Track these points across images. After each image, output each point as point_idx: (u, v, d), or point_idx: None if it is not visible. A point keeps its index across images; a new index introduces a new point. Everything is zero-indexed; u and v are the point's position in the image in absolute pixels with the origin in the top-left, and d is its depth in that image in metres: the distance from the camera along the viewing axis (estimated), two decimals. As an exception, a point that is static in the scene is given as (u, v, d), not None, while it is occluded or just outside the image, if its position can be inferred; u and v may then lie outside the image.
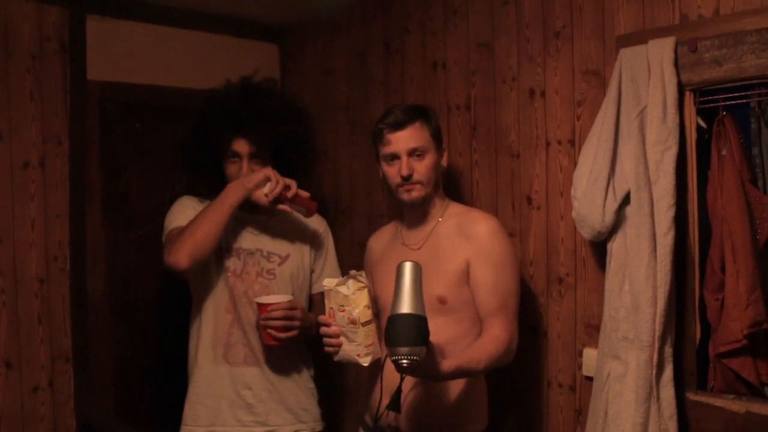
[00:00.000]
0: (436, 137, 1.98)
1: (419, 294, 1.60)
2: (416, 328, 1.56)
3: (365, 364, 1.86)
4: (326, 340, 1.88)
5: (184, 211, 2.16)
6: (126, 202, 2.54)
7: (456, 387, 1.88)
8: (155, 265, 2.22)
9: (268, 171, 2.07)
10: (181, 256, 1.99)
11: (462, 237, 1.92)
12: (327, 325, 1.87)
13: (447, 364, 1.67)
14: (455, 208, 2.04)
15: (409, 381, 1.78)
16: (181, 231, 2.05)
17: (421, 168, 1.94)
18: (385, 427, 1.94)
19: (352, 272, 1.84)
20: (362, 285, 1.83)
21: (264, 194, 2.06)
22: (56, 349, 2.36)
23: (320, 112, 2.72)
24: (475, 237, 1.91)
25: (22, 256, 2.29)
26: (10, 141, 2.27)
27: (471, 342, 1.88)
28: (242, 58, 2.76)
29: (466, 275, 1.90)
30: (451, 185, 2.35)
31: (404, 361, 1.54)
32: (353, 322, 1.82)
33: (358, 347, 1.84)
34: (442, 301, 1.89)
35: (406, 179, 1.92)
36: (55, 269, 2.36)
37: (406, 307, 1.57)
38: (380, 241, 2.16)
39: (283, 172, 2.13)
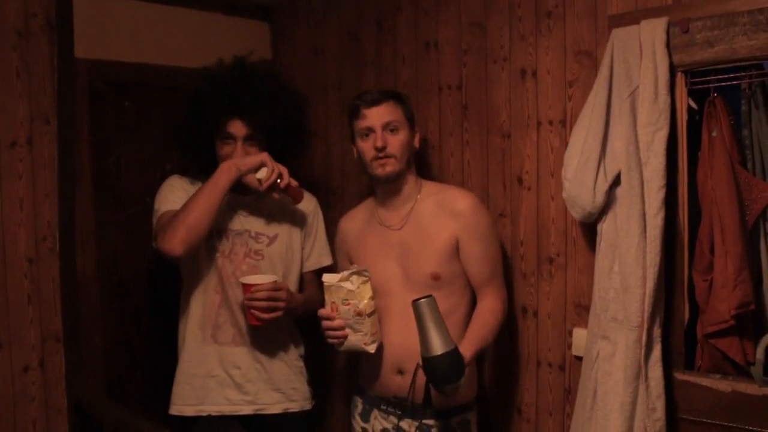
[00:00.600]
0: (410, 119, 2.08)
1: (443, 327, 1.69)
2: (454, 365, 1.69)
3: (372, 351, 1.98)
4: (330, 333, 1.96)
5: (174, 192, 2.15)
6: (116, 182, 2.52)
7: None
8: (146, 245, 2.21)
9: (264, 156, 2.08)
10: (176, 243, 1.99)
11: (446, 214, 2.01)
12: (330, 318, 1.95)
13: (468, 354, 1.79)
14: (430, 186, 2.12)
15: (411, 355, 1.86)
16: (173, 216, 2.04)
17: (395, 142, 2.02)
18: (390, 398, 2.04)
19: (355, 267, 1.94)
20: (366, 279, 1.92)
21: (257, 179, 2.07)
22: (46, 329, 2.35)
23: (311, 92, 2.70)
24: (460, 214, 2.01)
25: (10, 236, 2.27)
26: (-3, 119, 2.24)
27: (463, 312, 2.03)
28: (233, 37, 2.73)
29: (455, 250, 2.00)
30: (442, 164, 2.35)
31: (458, 390, 1.71)
32: (359, 314, 1.92)
33: (364, 336, 1.95)
34: (435, 277, 1.99)
35: (380, 150, 1.99)
36: (44, 249, 2.34)
37: (438, 347, 1.67)
38: (354, 223, 2.21)
39: (276, 154, 2.13)
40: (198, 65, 2.30)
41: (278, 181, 2.08)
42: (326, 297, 1.95)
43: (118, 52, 2.49)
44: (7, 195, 2.27)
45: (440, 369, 1.68)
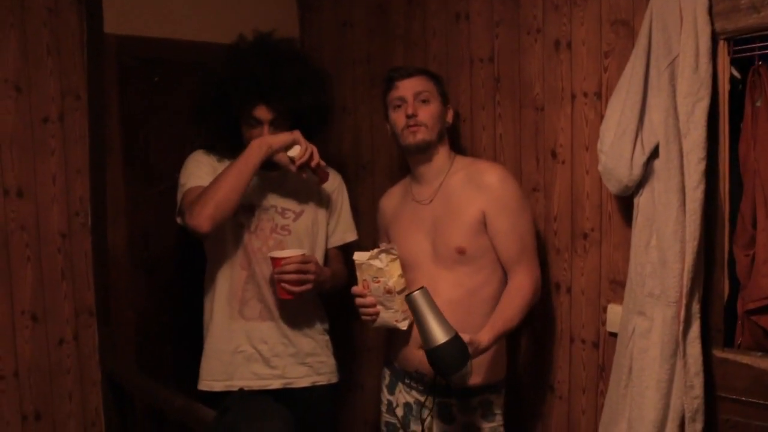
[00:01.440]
0: (442, 94, 2.08)
1: (440, 316, 1.67)
2: (457, 353, 1.66)
3: (404, 328, 1.99)
4: (363, 310, 1.98)
5: (200, 168, 2.15)
6: (145, 158, 2.53)
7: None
8: (175, 221, 2.22)
9: (296, 135, 2.08)
10: (203, 220, 1.99)
11: (473, 187, 1.99)
12: (362, 295, 1.96)
13: (486, 338, 1.77)
14: (462, 161, 2.10)
15: None
16: (201, 192, 2.04)
17: (426, 111, 2.02)
18: (412, 371, 2.04)
19: (383, 245, 1.94)
20: (394, 257, 1.93)
21: (289, 157, 2.07)
22: (80, 303, 2.39)
23: (339, 66, 2.68)
24: (487, 187, 1.97)
25: (44, 212, 2.30)
26: (29, 95, 2.26)
27: (493, 289, 1.98)
28: (260, 11, 2.71)
29: (482, 225, 1.97)
30: (474, 138, 2.31)
31: (466, 378, 1.68)
32: (389, 291, 1.93)
33: (395, 313, 1.96)
34: (461, 251, 1.97)
35: (411, 117, 1.99)
36: (77, 224, 2.37)
37: (438, 337, 1.65)
38: (391, 200, 2.21)
39: (303, 130, 2.13)
40: (226, 40, 2.28)
41: (310, 160, 2.08)
42: (358, 275, 1.96)
43: (146, 27, 2.49)
44: (40, 171, 2.29)
45: (443, 359, 1.65)
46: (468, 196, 1.99)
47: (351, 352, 2.78)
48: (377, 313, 1.96)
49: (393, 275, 1.92)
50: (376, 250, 1.92)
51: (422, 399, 2.02)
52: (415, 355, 2.01)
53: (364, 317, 1.99)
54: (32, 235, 2.28)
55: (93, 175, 2.38)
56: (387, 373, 2.17)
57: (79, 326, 2.39)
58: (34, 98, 2.27)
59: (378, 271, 1.92)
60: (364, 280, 1.95)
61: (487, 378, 1.99)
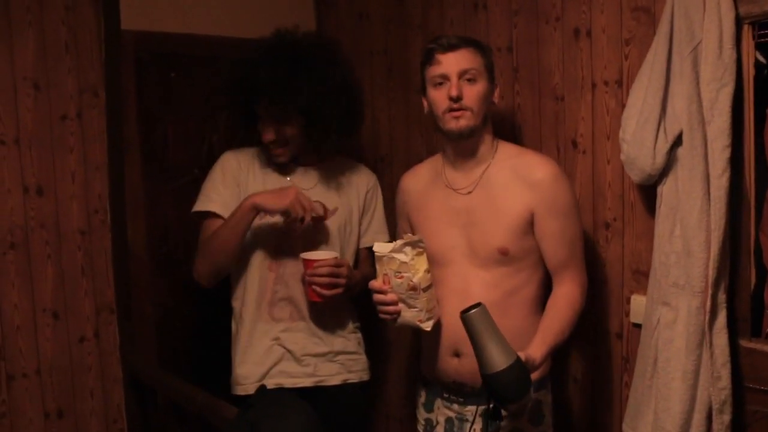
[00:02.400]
0: (490, 69, 1.86)
1: (501, 338, 1.49)
2: (519, 380, 1.49)
3: (428, 329, 1.82)
4: (382, 308, 1.81)
5: (216, 189, 2.15)
6: (164, 153, 2.53)
7: (514, 340, 1.69)
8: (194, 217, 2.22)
9: (287, 202, 2.01)
10: (202, 278, 2.14)
11: (521, 183, 1.82)
12: (382, 292, 1.79)
13: (539, 354, 1.61)
14: (508, 149, 1.91)
15: (466, 336, 1.71)
16: (202, 246, 2.13)
17: (472, 93, 1.79)
18: (449, 383, 1.90)
19: (408, 236, 1.77)
20: (421, 250, 1.76)
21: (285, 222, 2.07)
22: (100, 300, 2.39)
23: (357, 58, 2.66)
24: (538, 184, 1.80)
25: (64, 209, 2.31)
26: (48, 93, 2.27)
27: (533, 290, 1.86)
28: (277, 4, 2.70)
29: (529, 225, 1.82)
30: (492, 129, 2.29)
31: (517, 411, 1.55)
32: (413, 288, 1.76)
33: (419, 313, 1.79)
34: (503, 252, 1.81)
35: (455, 101, 1.78)
36: (97, 221, 2.38)
37: (497, 362, 1.47)
38: (417, 181, 2.01)
39: (320, 128, 2.11)
40: (243, 34, 2.28)
41: (301, 223, 2.03)
42: (378, 268, 1.80)
43: (162, 22, 2.49)
44: (60, 168, 2.30)
45: (503, 386, 1.48)
46: (515, 192, 1.81)
47: (373, 347, 2.77)
48: (398, 312, 1.79)
49: (419, 270, 1.75)
50: (400, 242, 1.74)
51: (464, 411, 1.85)
52: (450, 364, 1.86)
53: (382, 315, 1.82)
54: (52, 233, 2.29)
55: (112, 172, 2.39)
56: (422, 391, 2.01)
57: (100, 323, 2.39)
58: (52, 96, 2.28)
59: (402, 265, 1.74)
60: (385, 274, 1.77)
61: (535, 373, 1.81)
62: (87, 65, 2.33)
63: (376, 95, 2.68)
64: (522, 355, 1.52)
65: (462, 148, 1.88)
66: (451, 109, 1.80)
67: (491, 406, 1.56)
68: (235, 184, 2.15)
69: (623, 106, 1.90)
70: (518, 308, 1.81)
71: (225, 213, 2.10)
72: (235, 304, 2.22)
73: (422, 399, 2.01)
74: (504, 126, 2.27)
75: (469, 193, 1.87)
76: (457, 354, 1.84)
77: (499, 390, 1.49)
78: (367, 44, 2.69)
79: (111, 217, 2.40)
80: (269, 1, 2.71)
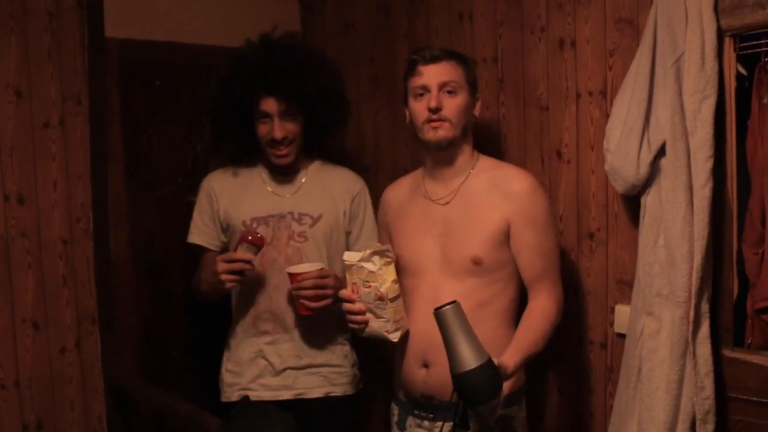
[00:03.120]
0: (471, 83, 1.89)
1: (473, 337, 1.46)
2: (489, 380, 1.46)
3: (395, 340, 1.83)
4: (350, 317, 1.83)
5: (199, 223, 2.22)
6: (148, 162, 2.51)
7: (489, 350, 1.74)
8: (178, 225, 2.21)
9: (223, 279, 1.99)
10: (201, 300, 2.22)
11: (499, 194, 1.83)
12: (351, 301, 1.81)
13: (512, 362, 1.58)
14: (486, 162, 1.93)
15: (436, 346, 1.72)
16: (195, 278, 2.19)
17: (452, 105, 1.82)
18: (417, 397, 1.89)
19: (377, 246, 1.78)
20: (389, 260, 1.78)
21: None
22: (82, 310, 2.36)
23: (343, 67, 2.64)
24: (515, 196, 1.82)
25: (45, 217, 2.28)
26: (30, 100, 2.24)
27: (505, 303, 1.85)
28: (263, 13, 2.68)
29: (504, 235, 1.82)
30: (478, 140, 2.28)
31: (488, 413, 1.49)
32: (381, 298, 1.77)
33: (386, 323, 1.80)
34: (476, 262, 1.81)
35: (434, 112, 1.80)
36: (79, 230, 2.35)
37: (468, 361, 1.44)
38: (398, 193, 2.05)
39: (315, 126, 2.14)
40: (228, 43, 2.28)
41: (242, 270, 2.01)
42: (347, 277, 1.82)
43: (147, 30, 2.47)
44: (41, 176, 2.27)
45: (473, 386, 1.44)
46: (491, 203, 1.82)
47: (369, 360, 2.74)
48: (366, 322, 1.81)
49: (386, 280, 1.77)
50: (368, 251, 1.76)
51: (435, 428, 1.82)
52: (417, 376, 1.85)
53: (351, 325, 1.85)
54: (33, 242, 2.26)
55: (94, 181, 2.36)
56: (395, 409, 2.00)
57: (82, 334, 2.36)
58: (35, 103, 2.25)
59: (369, 274, 1.76)
60: (354, 283, 1.79)
61: (505, 387, 1.75)
62: (70, 72, 2.31)
63: (362, 104, 2.68)
64: (495, 361, 1.50)
65: (441, 158, 1.90)
66: (431, 120, 1.82)
67: (458, 411, 1.53)
68: (211, 211, 2.21)
69: (607, 116, 1.92)
70: (489, 320, 1.79)
71: (207, 243, 2.21)
72: (233, 311, 2.24)
73: (395, 417, 2.00)
74: (489, 136, 2.28)
75: (447, 203, 1.89)
76: (425, 365, 1.84)
77: (468, 390, 1.45)
78: (353, 53, 2.69)
79: (93, 225, 2.37)
80: (255, 10, 2.70)
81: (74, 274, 2.34)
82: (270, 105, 2.08)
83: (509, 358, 1.59)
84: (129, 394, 2.37)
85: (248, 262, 1.99)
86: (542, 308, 1.79)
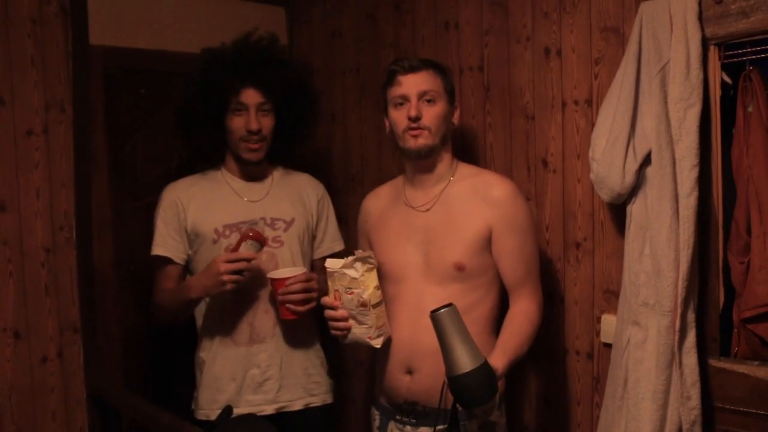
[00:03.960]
0: (449, 92, 1.92)
1: (469, 340, 1.48)
2: (486, 382, 1.48)
3: (377, 346, 1.83)
4: (333, 324, 1.83)
5: (161, 234, 2.17)
6: (132, 170, 2.49)
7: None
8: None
9: (217, 280, 1.96)
10: (158, 321, 2.23)
11: (480, 200, 1.85)
12: (333, 308, 1.82)
13: (500, 364, 1.61)
14: (466, 169, 1.96)
15: (421, 353, 1.73)
16: (155, 297, 2.18)
17: (431, 113, 1.85)
18: (401, 403, 1.89)
19: (359, 253, 1.79)
20: (371, 266, 1.78)
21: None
22: (64, 319, 2.33)
23: (329, 76, 2.66)
24: (496, 202, 1.84)
25: (27, 226, 2.25)
26: (13, 108, 2.21)
27: (487, 309, 1.86)
28: (249, 22, 2.64)
29: (486, 241, 1.83)
30: (464, 148, 2.29)
31: (490, 412, 1.50)
32: (363, 305, 1.77)
33: (369, 329, 1.80)
34: (459, 268, 1.82)
35: (414, 120, 1.83)
36: (62, 239, 2.32)
37: (465, 363, 1.46)
38: (378, 201, 2.06)
39: (287, 125, 2.16)
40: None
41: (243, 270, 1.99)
42: (329, 284, 1.82)
43: (132, 38, 2.45)
44: (24, 184, 2.25)
45: (470, 388, 1.46)
46: (472, 209, 1.84)
47: (341, 366, 2.73)
48: (348, 328, 1.81)
49: (368, 287, 1.77)
50: (350, 258, 1.77)
51: None
52: (401, 382, 1.86)
53: (333, 332, 1.85)
54: (15, 250, 2.22)
55: (78, 189, 2.33)
56: (376, 414, 2.00)
57: (64, 343, 2.33)
58: (17, 111, 2.22)
59: (352, 281, 1.77)
60: (336, 290, 1.79)
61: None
62: (54, 80, 2.28)
63: (348, 114, 2.68)
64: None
65: (421, 166, 1.92)
66: (411, 128, 1.85)
67: (444, 409, 1.53)
68: (176, 221, 2.16)
69: (593, 125, 1.92)
70: (472, 326, 1.73)
71: (174, 256, 2.16)
72: (198, 327, 2.19)
73: (376, 422, 2.00)
74: (475, 144, 2.27)
75: (428, 210, 1.90)
76: (409, 371, 1.85)
77: (466, 392, 1.47)
78: (339, 63, 2.69)
79: (76, 234, 2.34)
80: (241, 19, 2.68)
81: (57, 283, 2.31)
82: (249, 96, 2.09)
83: (496, 360, 1.61)
84: (111, 404, 2.34)
85: (250, 260, 1.97)
86: (525, 311, 1.81)
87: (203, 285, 2.02)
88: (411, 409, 1.87)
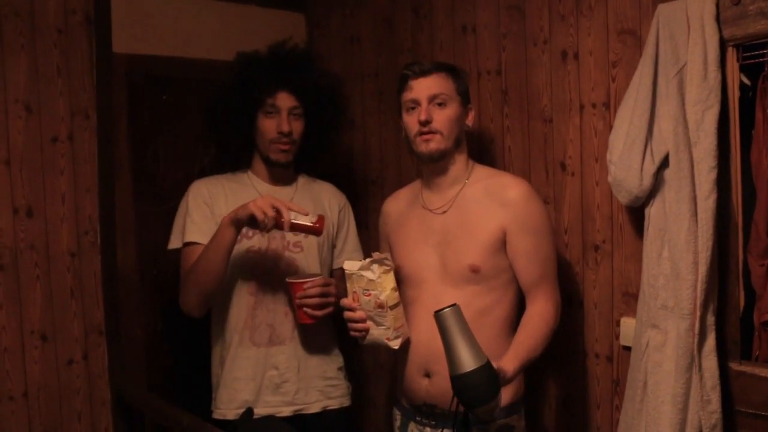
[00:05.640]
0: (462, 94, 1.92)
1: (472, 339, 1.49)
2: (487, 382, 1.48)
3: (396, 347, 1.84)
4: (352, 325, 1.85)
5: (191, 219, 2.12)
6: (155, 176, 2.53)
7: (490, 357, 1.79)
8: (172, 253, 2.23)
9: (250, 205, 1.91)
10: (192, 308, 2.08)
11: (494, 202, 1.85)
12: (351, 309, 1.83)
13: (511, 367, 1.61)
14: (482, 171, 1.95)
15: (438, 356, 1.73)
16: (185, 277, 2.08)
17: (441, 117, 1.85)
18: (420, 405, 1.90)
19: (376, 255, 1.80)
20: (388, 268, 1.80)
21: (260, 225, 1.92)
22: (89, 322, 2.38)
23: (348, 81, 2.67)
24: (510, 203, 1.83)
25: (53, 231, 2.30)
26: (39, 115, 2.27)
27: (504, 311, 1.86)
28: (268, 29, 2.71)
29: (501, 243, 1.83)
30: (482, 151, 2.29)
31: (494, 413, 1.50)
32: (380, 306, 1.78)
33: (387, 331, 1.81)
34: (474, 270, 1.83)
35: (424, 124, 1.84)
36: (86, 243, 2.37)
37: (467, 363, 1.46)
38: (398, 204, 2.07)
39: (316, 131, 2.18)
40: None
41: (280, 221, 1.91)
42: (348, 286, 1.83)
43: (155, 46, 2.50)
44: (50, 190, 2.30)
45: (471, 388, 1.47)
46: (487, 211, 1.84)
47: (362, 369, 2.75)
48: (367, 330, 1.82)
49: (386, 288, 1.78)
50: (368, 260, 1.78)
51: None
52: (420, 385, 1.87)
53: (352, 333, 1.86)
54: (41, 255, 2.28)
55: (102, 194, 2.38)
56: (397, 414, 2.01)
57: (89, 346, 2.38)
58: (44, 118, 2.28)
59: (369, 283, 1.78)
60: (354, 292, 1.81)
61: (506, 398, 1.80)
62: (78, 88, 2.34)
63: (367, 118, 2.69)
64: (494, 365, 1.52)
65: (436, 169, 1.92)
66: (422, 133, 1.85)
67: (459, 411, 1.53)
68: (208, 209, 2.13)
69: (611, 127, 1.91)
70: (489, 328, 1.80)
71: (203, 239, 2.07)
72: (214, 327, 2.21)
73: (398, 422, 2.01)
74: (493, 147, 2.28)
75: (444, 212, 1.91)
76: (427, 374, 1.85)
77: (466, 392, 1.48)
78: (358, 67, 2.71)
79: (101, 238, 2.39)
80: (261, 25, 2.73)
81: (82, 287, 2.36)
82: (282, 99, 2.11)
83: (508, 362, 1.61)
84: (134, 406, 2.38)
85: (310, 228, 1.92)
86: (540, 313, 1.80)
87: (236, 211, 1.93)
88: (430, 412, 1.87)
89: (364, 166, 2.72)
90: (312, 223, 1.95)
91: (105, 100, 2.38)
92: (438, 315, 1.49)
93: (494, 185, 1.88)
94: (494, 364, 1.52)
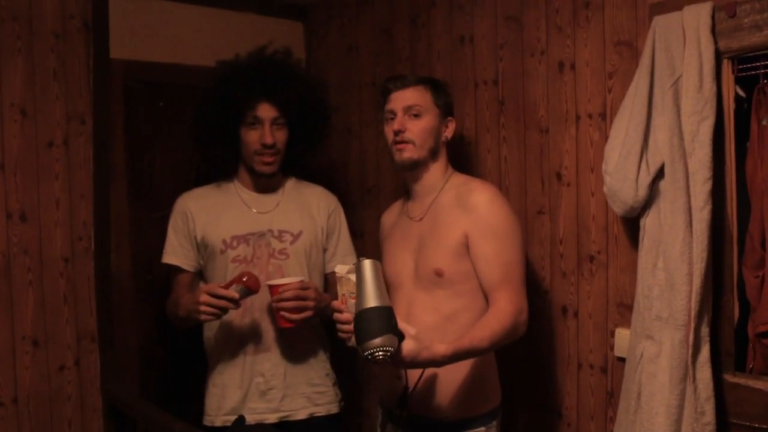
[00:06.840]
0: (442, 106, 1.97)
1: (381, 287, 1.55)
2: (381, 319, 1.51)
3: None
4: (339, 326, 1.86)
5: (171, 243, 2.21)
6: (150, 182, 2.53)
7: (464, 368, 1.84)
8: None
9: (200, 310, 1.96)
10: (176, 328, 2.22)
11: (460, 208, 1.88)
12: (340, 311, 1.85)
13: (444, 348, 1.61)
14: (457, 179, 1.99)
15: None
16: (168, 303, 2.20)
17: (415, 128, 1.91)
18: (393, 408, 1.92)
19: (362, 259, 1.80)
20: None
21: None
22: (82, 328, 2.36)
23: (346, 90, 2.68)
24: (472, 208, 1.86)
25: (47, 236, 2.29)
26: (35, 120, 2.27)
27: (473, 317, 1.85)
28: (267, 37, 2.69)
29: (464, 248, 1.85)
30: (478, 162, 2.30)
31: (379, 354, 1.49)
32: None
33: None
34: (438, 273, 1.86)
35: (397, 134, 1.91)
36: (80, 249, 2.36)
37: (369, 301, 1.53)
38: (390, 215, 2.15)
39: (300, 138, 2.19)
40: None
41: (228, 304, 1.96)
42: (338, 289, 1.85)
43: (152, 52, 2.50)
44: (44, 195, 2.29)
45: (364, 321, 1.51)
46: (454, 217, 1.88)
47: (355, 379, 2.74)
48: (352, 331, 1.83)
49: None
50: (354, 265, 1.79)
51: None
52: (394, 386, 1.90)
53: (340, 334, 1.87)
54: (34, 260, 2.27)
55: (97, 200, 2.38)
56: (380, 411, 2.05)
57: (81, 352, 2.36)
58: (39, 122, 2.28)
59: (354, 286, 1.79)
60: (343, 294, 1.82)
61: (470, 409, 1.86)
62: (75, 93, 2.34)
63: (364, 127, 2.70)
64: (412, 330, 1.56)
65: (411, 178, 2.00)
66: (396, 142, 1.93)
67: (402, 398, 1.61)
68: (186, 227, 2.19)
69: (607, 138, 1.91)
70: (455, 333, 1.77)
71: (177, 261, 2.20)
72: (205, 333, 2.22)
73: (379, 419, 2.05)
74: (489, 158, 2.28)
75: (420, 219, 1.97)
76: (398, 376, 1.88)
77: (359, 324, 1.52)
78: (356, 76, 2.71)
79: (95, 244, 2.38)
80: (260, 34, 2.72)
81: (75, 293, 2.34)
82: (265, 110, 2.11)
83: (442, 345, 1.60)
84: (127, 413, 2.36)
85: (234, 302, 1.95)
86: (496, 311, 1.77)
87: (186, 307, 2.04)
88: (400, 415, 1.90)
89: (360, 175, 2.72)
90: (242, 297, 1.97)
91: (101, 106, 2.37)
92: (358, 262, 1.57)
93: (463, 191, 1.91)
94: (412, 330, 1.56)
